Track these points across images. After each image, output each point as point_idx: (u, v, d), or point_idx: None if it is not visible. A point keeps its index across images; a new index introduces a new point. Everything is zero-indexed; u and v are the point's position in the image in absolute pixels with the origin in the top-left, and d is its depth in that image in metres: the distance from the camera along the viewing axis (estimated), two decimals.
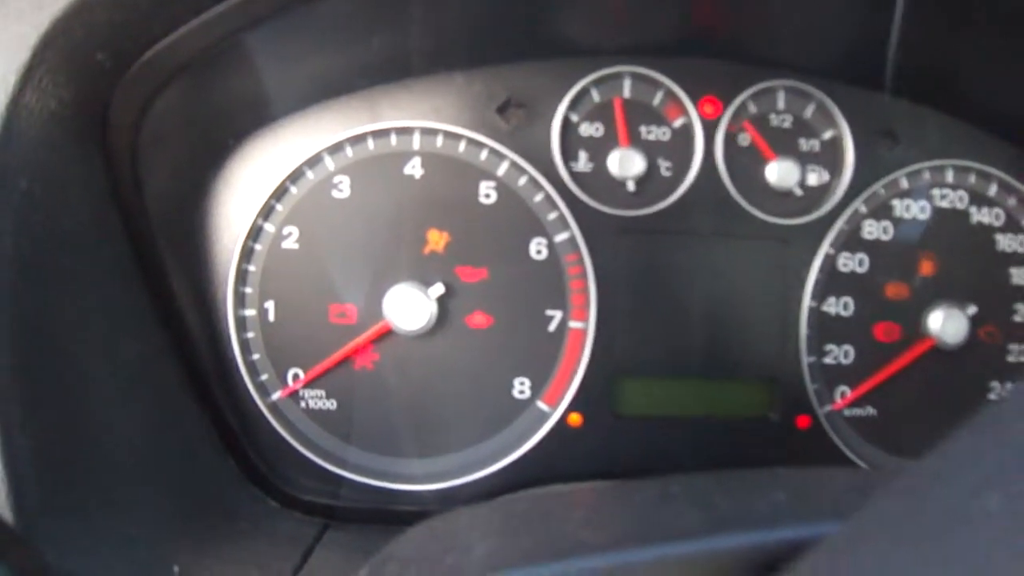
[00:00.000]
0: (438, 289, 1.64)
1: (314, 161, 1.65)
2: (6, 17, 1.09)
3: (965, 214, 1.82)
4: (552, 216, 1.68)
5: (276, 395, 1.66)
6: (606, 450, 1.71)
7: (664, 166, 1.72)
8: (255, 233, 1.64)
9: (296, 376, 1.66)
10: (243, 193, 1.64)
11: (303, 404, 1.67)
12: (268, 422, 1.66)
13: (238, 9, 1.25)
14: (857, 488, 0.87)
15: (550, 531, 0.86)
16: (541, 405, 1.69)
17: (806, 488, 0.89)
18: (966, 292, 1.79)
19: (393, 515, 1.66)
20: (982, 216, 1.82)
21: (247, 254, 1.64)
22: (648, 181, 1.70)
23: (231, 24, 1.29)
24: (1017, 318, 1.82)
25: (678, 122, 1.72)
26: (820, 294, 1.76)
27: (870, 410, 1.79)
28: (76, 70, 1.17)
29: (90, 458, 1.19)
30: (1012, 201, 1.83)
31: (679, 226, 1.71)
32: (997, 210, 1.82)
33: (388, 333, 1.64)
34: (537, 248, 1.68)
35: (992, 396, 1.82)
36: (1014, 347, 1.82)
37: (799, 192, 1.75)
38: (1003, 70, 1.68)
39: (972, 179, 1.82)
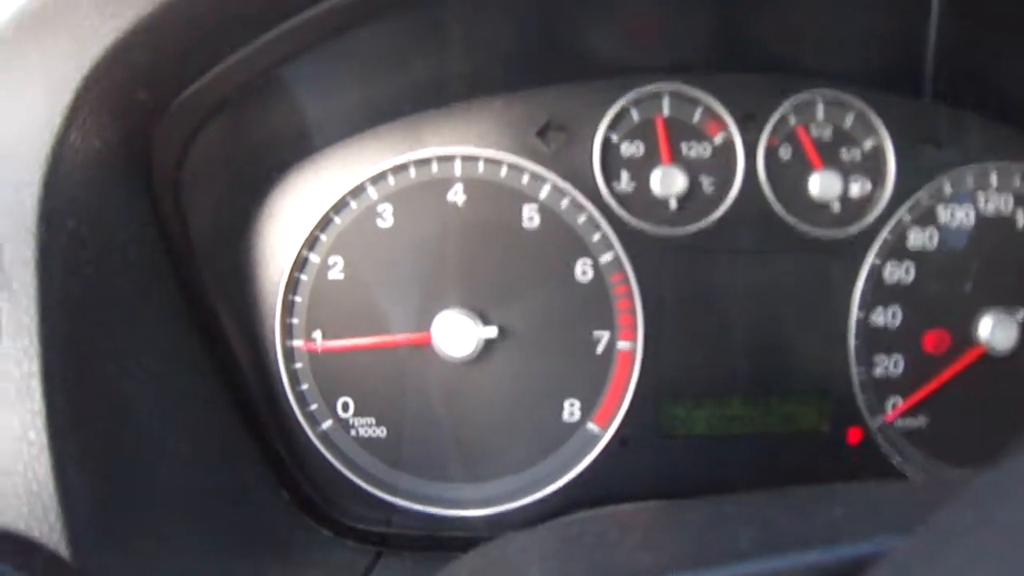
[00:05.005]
0: (490, 331, 1.64)
1: (357, 191, 1.65)
2: (48, 59, 1.10)
3: (1011, 217, 1.80)
4: (596, 237, 1.68)
5: (326, 424, 1.67)
6: (657, 470, 1.70)
7: (706, 183, 1.71)
8: (301, 264, 1.65)
9: (345, 405, 1.67)
10: (287, 225, 1.65)
11: (353, 432, 1.68)
12: (319, 451, 1.66)
13: (276, 43, 1.26)
14: (917, 501, 0.86)
15: (606, 555, 0.85)
16: (591, 427, 1.69)
17: (865, 503, 0.88)
18: (1015, 297, 1.77)
19: (445, 541, 1.66)
20: None
21: (293, 285, 1.65)
22: (690, 198, 1.69)
23: (270, 58, 1.30)
24: None
25: (718, 138, 1.71)
26: (867, 305, 1.74)
27: (922, 420, 1.77)
28: (119, 109, 1.18)
29: (145, 493, 1.19)
30: None
31: (723, 243, 1.70)
32: None
33: (434, 359, 1.64)
34: (582, 269, 1.67)
35: None
36: None
37: (841, 204, 1.73)
38: None
39: (1017, 182, 1.79)
